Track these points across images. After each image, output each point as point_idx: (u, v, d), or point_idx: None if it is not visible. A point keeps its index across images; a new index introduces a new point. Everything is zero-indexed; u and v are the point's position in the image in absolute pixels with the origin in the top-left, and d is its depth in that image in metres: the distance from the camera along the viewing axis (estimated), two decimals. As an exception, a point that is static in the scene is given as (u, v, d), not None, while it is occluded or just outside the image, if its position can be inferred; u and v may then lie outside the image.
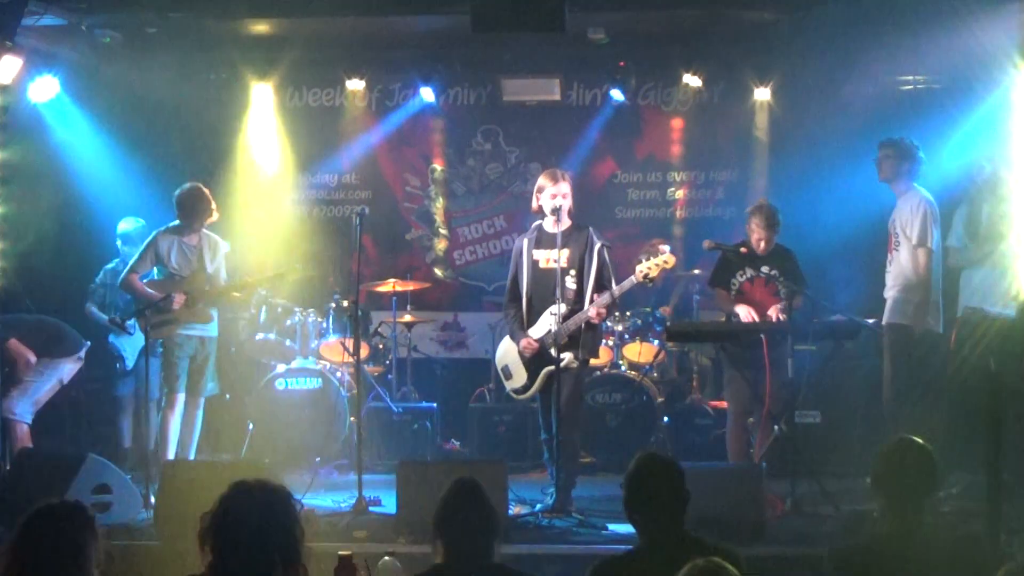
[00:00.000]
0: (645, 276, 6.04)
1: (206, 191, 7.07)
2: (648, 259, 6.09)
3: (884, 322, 6.54)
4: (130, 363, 7.82)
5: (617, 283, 6.09)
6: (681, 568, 2.74)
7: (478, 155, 9.34)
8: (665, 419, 7.68)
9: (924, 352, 6.45)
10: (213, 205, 7.08)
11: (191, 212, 6.98)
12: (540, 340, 6.18)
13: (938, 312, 6.49)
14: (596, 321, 6.11)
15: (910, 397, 6.43)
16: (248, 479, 2.98)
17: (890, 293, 6.54)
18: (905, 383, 6.40)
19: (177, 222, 7.05)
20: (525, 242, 6.29)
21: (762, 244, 6.48)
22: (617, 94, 8.70)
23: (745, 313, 6.40)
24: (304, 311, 8.06)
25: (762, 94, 8.49)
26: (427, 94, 8.79)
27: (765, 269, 6.48)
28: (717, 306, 6.90)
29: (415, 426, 7.83)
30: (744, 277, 6.54)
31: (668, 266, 6.09)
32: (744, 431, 6.60)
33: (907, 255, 6.45)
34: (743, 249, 6.52)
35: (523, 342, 6.20)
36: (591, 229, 6.27)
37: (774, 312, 6.36)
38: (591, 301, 6.09)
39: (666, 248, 6.19)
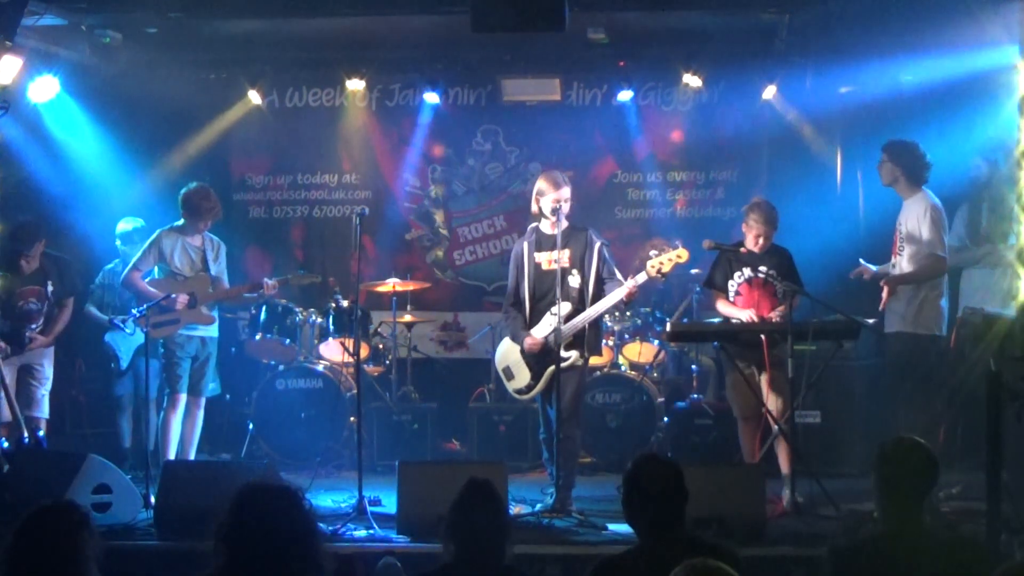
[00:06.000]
0: (658, 271, 6.02)
1: (211, 191, 7.09)
2: (659, 254, 6.08)
3: (887, 331, 6.48)
4: (125, 363, 7.81)
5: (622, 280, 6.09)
6: (679, 567, 2.74)
7: (478, 155, 9.34)
8: (665, 419, 7.68)
9: (928, 358, 6.38)
10: (218, 205, 7.09)
11: (196, 212, 6.97)
12: (544, 339, 6.17)
13: (941, 317, 6.34)
14: (627, 301, 6.08)
15: (912, 400, 6.40)
16: (262, 480, 2.97)
17: (893, 302, 6.39)
18: (909, 391, 6.36)
19: (181, 221, 7.05)
20: (525, 245, 6.29)
21: (760, 240, 6.43)
22: (625, 95, 8.66)
23: (747, 317, 6.37)
24: (304, 311, 8.06)
25: (763, 93, 8.48)
26: (431, 98, 8.78)
27: (763, 269, 6.45)
28: (714, 307, 6.88)
29: (415, 426, 7.83)
30: (742, 278, 6.51)
31: (681, 261, 6.07)
32: (755, 432, 6.55)
33: (909, 262, 6.39)
34: (743, 248, 6.50)
35: (527, 340, 6.20)
36: (590, 229, 6.27)
37: (774, 314, 6.36)
38: (593, 299, 6.10)
39: (678, 243, 6.17)
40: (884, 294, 6.35)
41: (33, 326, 7.07)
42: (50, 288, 7.14)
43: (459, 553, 3.43)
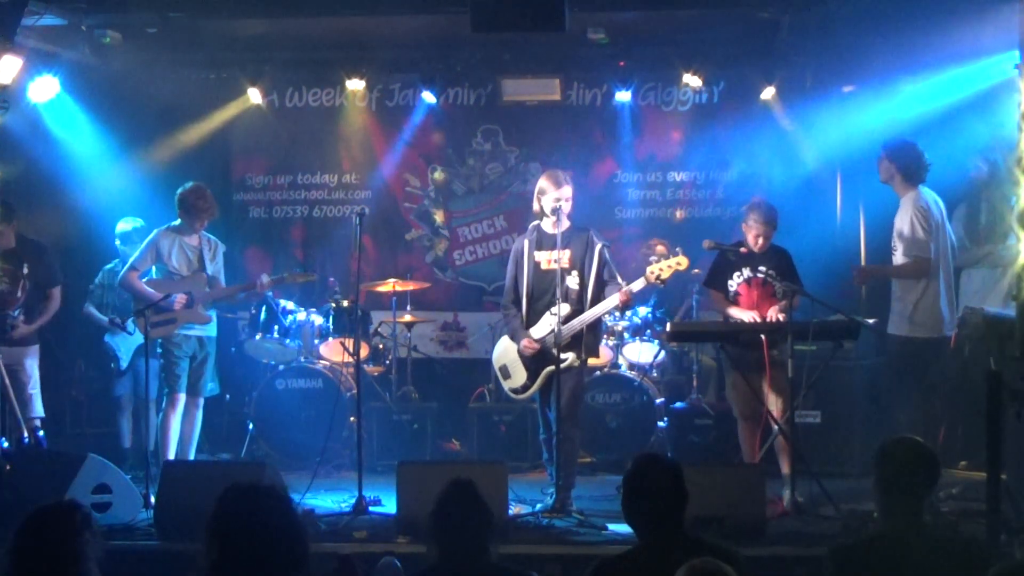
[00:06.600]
0: (657, 277, 6.02)
1: (208, 191, 7.09)
2: (659, 260, 6.08)
3: (888, 331, 6.47)
4: (124, 363, 7.81)
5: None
6: (681, 568, 2.75)
7: (478, 155, 9.34)
8: (665, 419, 7.67)
9: (926, 359, 6.36)
10: (213, 205, 7.09)
11: (192, 211, 6.98)
12: (542, 340, 6.17)
13: (939, 318, 6.28)
14: (622, 307, 6.09)
15: (912, 399, 6.40)
16: (242, 481, 2.96)
17: (893, 303, 6.41)
18: (909, 391, 6.36)
19: (178, 221, 7.06)
20: (526, 243, 6.29)
21: (760, 241, 6.43)
22: (624, 95, 8.65)
23: (749, 318, 6.36)
24: (304, 311, 8.06)
25: (763, 93, 8.47)
26: (428, 97, 8.78)
27: (762, 269, 6.45)
28: (714, 308, 6.89)
29: (415, 426, 7.83)
30: (741, 278, 6.51)
31: (681, 268, 6.06)
32: (755, 432, 6.54)
33: (899, 259, 6.37)
34: (743, 248, 6.50)
35: (524, 342, 6.20)
36: (592, 230, 6.27)
37: (773, 313, 6.35)
38: (593, 301, 6.09)
39: (678, 250, 6.18)
40: (855, 279, 6.45)
41: (12, 312, 6.93)
42: (26, 270, 6.98)
43: (443, 554, 3.44)
